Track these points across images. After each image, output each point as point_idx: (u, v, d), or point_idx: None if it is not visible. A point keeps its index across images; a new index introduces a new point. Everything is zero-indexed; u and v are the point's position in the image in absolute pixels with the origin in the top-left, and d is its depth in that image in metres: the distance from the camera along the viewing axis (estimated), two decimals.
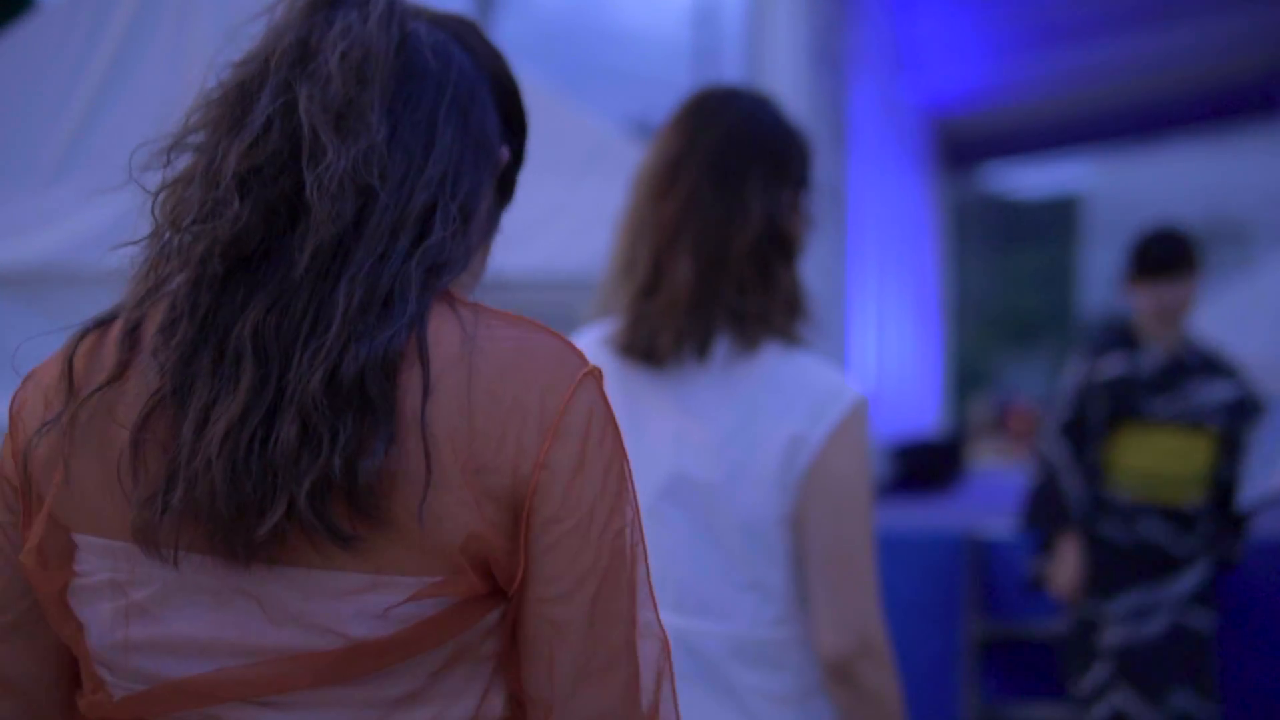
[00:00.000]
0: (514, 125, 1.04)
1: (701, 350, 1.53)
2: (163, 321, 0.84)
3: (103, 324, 0.89)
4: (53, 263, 3.66)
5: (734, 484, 1.51)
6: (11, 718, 0.92)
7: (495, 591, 0.85)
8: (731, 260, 1.54)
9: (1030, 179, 18.41)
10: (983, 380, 18.43)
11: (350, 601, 0.82)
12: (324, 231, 0.84)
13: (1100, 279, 20.36)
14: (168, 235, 0.87)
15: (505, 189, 1.05)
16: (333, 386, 0.81)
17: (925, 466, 6.37)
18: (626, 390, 1.54)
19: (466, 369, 0.84)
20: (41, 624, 0.90)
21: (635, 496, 0.89)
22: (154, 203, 0.88)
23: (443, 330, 0.85)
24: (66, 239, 3.69)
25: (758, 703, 1.51)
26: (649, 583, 0.88)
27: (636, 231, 1.59)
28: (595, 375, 0.87)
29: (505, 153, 1.02)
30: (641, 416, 1.54)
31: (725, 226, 1.55)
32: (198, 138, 0.89)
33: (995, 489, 6.83)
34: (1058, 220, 20.77)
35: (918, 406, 8.38)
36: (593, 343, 1.59)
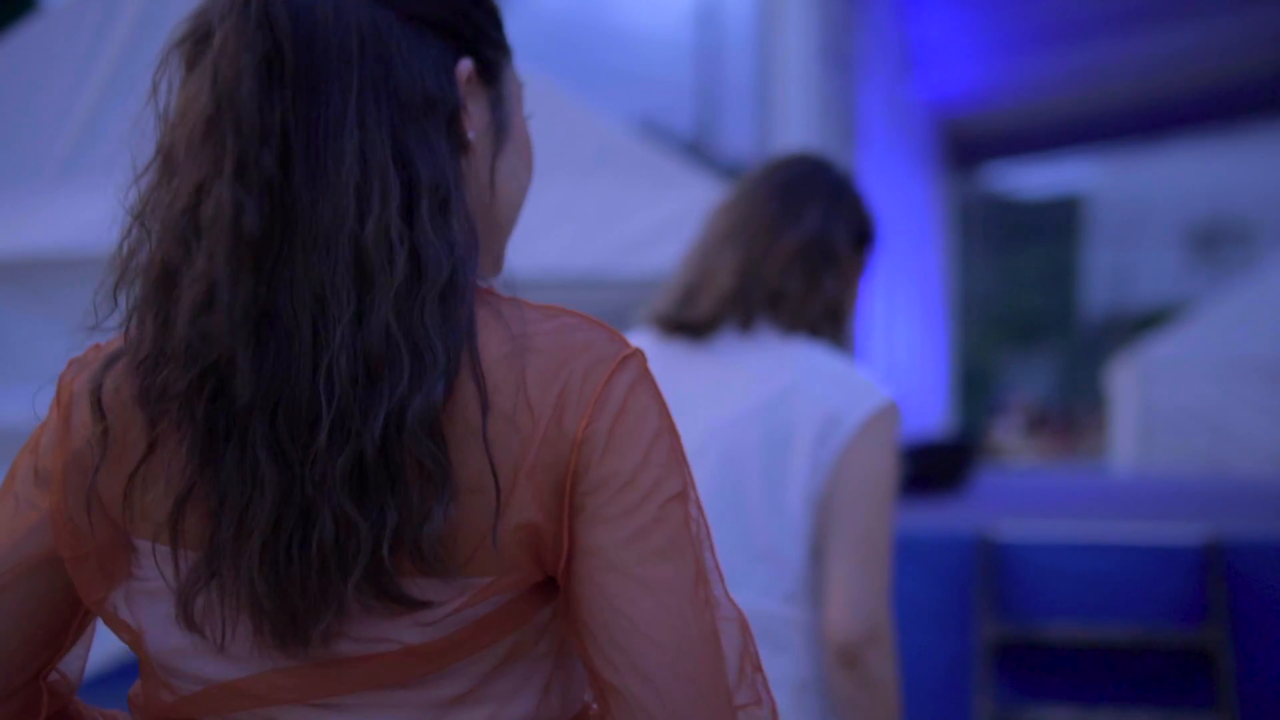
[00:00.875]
0: (461, 18, 0.86)
1: (744, 325, 1.57)
2: (176, 417, 0.79)
3: (121, 355, 0.83)
4: (56, 256, 3.64)
5: (765, 452, 1.52)
6: None
7: (547, 584, 0.82)
8: (775, 256, 1.58)
9: (1033, 178, 18.41)
10: (986, 380, 18.40)
11: (403, 615, 0.80)
12: (253, 343, 0.76)
13: (1103, 278, 20.37)
14: (138, 282, 0.81)
15: (493, 82, 0.90)
16: (359, 474, 0.76)
17: (934, 468, 6.35)
18: (664, 362, 1.55)
19: (519, 372, 0.79)
20: (21, 587, 0.87)
21: (690, 475, 0.83)
22: (125, 195, 0.82)
23: (489, 338, 0.80)
24: (69, 233, 3.66)
25: None
26: (716, 563, 0.83)
27: (696, 247, 1.65)
28: (638, 357, 0.82)
29: (465, 66, 0.85)
30: (677, 381, 1.54)
31: (775, 229, 1.59)
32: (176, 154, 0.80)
33: (1004, 490, 6.82)
34: (1060, 220, 20.75)
35: (924, 407, 8.36)
36: (635, 334, 1.62)
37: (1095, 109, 11.44)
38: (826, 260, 1.60)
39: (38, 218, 3.72)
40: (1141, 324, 15.63)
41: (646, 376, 0.82)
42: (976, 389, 16.17)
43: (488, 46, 0.89)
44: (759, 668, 0.83)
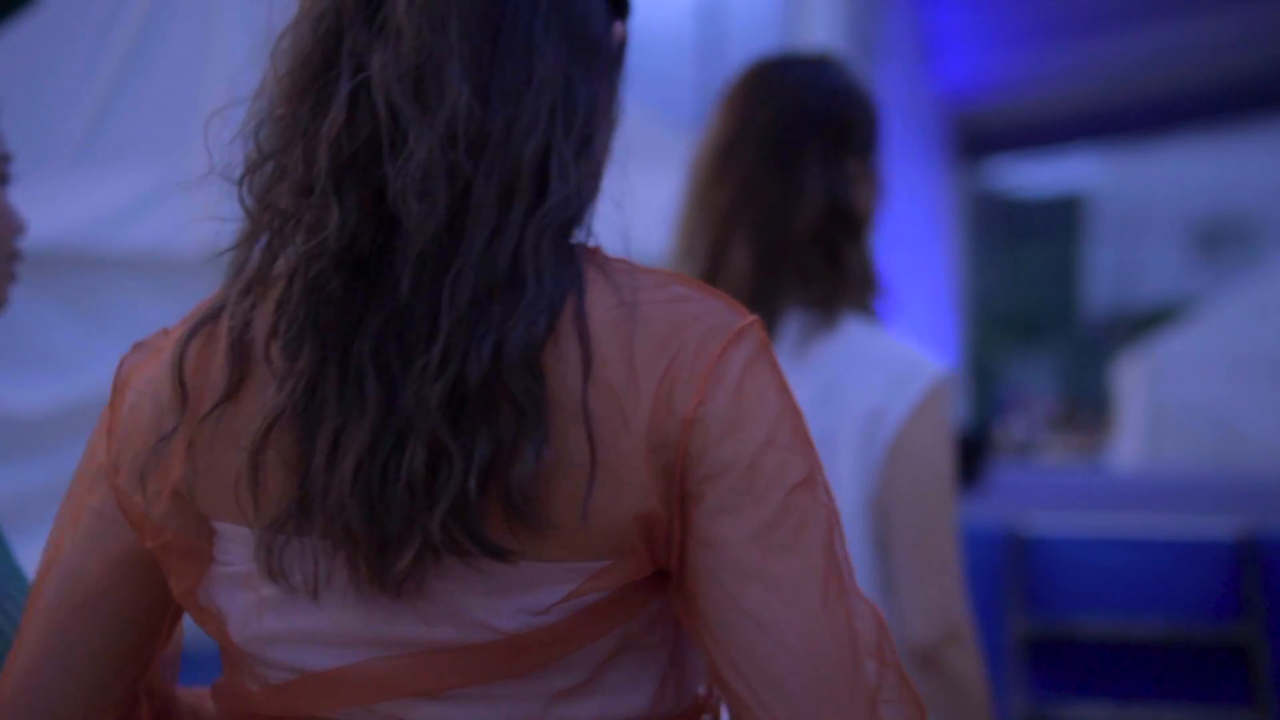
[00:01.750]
0: None
1: (771, 321, 1.46)
2: (281, 336, 0.74)
3: (206, 322, 0.79)
4: (65, 244, 3.59)
5: None
6: (71, 697, 0.83)
7: (658, 574, 0.77)
8: (792, 246, 1.47)
9: (1035, 175, 18.40)
10: (988, 378, 18.40)
11: (508, 597, 0.75)
12: (420, 236, 0.72)
13: (1105, 276, 20.38)
14: (265, 235, 0.76)
15: (618, 71, 0.87)
16: (457, 399, 0.71)
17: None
18: None
19: (628, 337, 0.74)
20: (109, 598, 0.83)
21: (817, 458, 0.77)
22: (241, 190, 0.78)
23: (596, 297, 0.75)
24: (79, 221, 3.62)
25: None
26: (846, 553, 0.76)
27: (695, 218, 1.52)
28: (755, 327, 0.76)
29: (620, 30, 0.85)
30: None
31: (783, 210, 1.48)
32: (280, 111, 0.77)
33: (1023, 485, 6.78)
34: (1063, 217, 20.76)
35: None
36: None
37: (1100, 104, 11.41)
38: (843, 226, 1.50)
39: (50, 206, 3.68)
40: (1145, 322, 15.64)
41: (765, 350, 0.77)
42: (980, 385, 16.16)
43: (625, 23, 0.86)
44: (896, 663, 0.76)
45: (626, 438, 0.73)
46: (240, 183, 0.78)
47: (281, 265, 0.76)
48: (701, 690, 0.82)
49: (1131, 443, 9.89)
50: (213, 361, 0.79)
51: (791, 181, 1.48)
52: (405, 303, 0.72)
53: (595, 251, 0.79)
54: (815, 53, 1.68)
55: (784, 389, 0.77)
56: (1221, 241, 18.40)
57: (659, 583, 0.77)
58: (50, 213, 3.71)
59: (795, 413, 0.76)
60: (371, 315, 0.73)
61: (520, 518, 0.72)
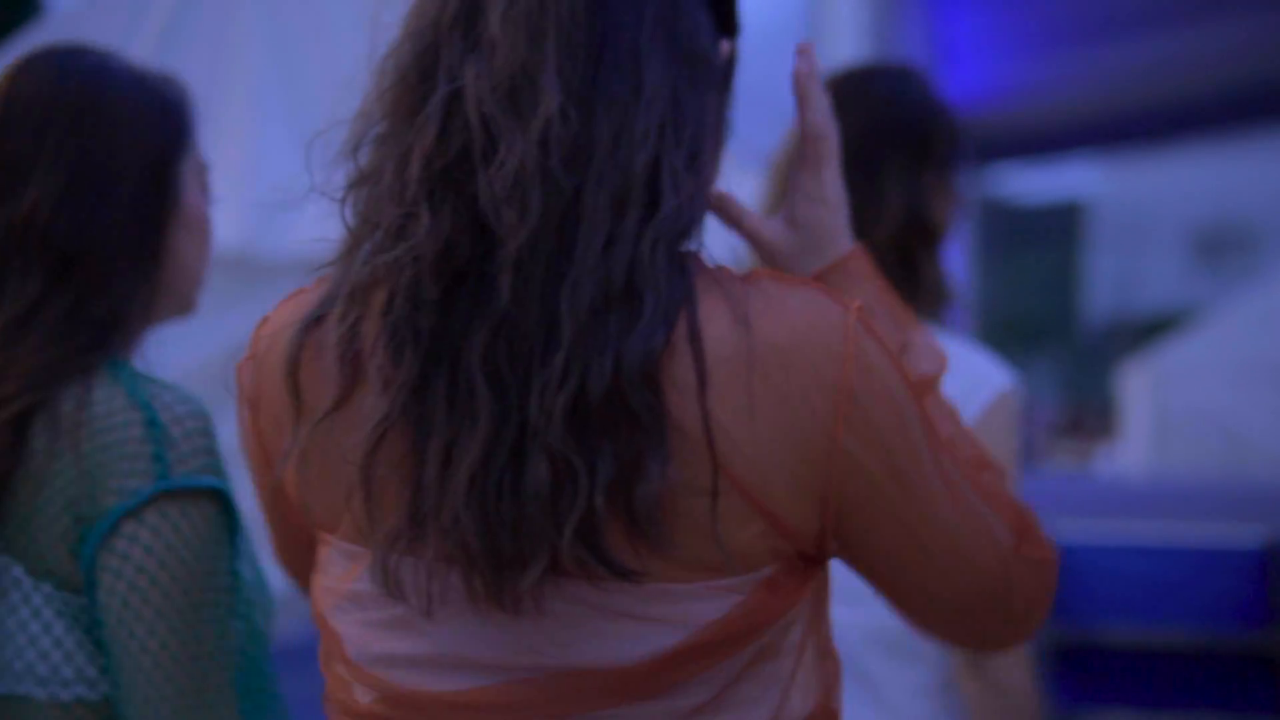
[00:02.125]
0: (725, 6, 0.87)
1: None
2: (387, 348, 0.74)
3: (310, 328, 0.79)
4: None
5: None
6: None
7: (794, 577, 0.77)
8: (871, 253, 1.49)
9: (1036, 182, 18.41)
10: None
11: (635, 620, 0.74)
12: (512, 242, 0.71)
13: (1106, 284, 20.40)
14: (366, 247, 0.77)
15: (726, 88, 0.88)
16: (580, 412, 0.70)
17: None
18: None
19: (744, 352, 0.73)
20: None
21: (936, 402, 0.82)
22: (343, 206, 0.79)
23: (710, 311, 0.74)
24: None
25: (896, 694, 1.47)
26: (976, 456, 0.84)
27: None
28: (857, 316, 0.76)
29: (726, 48, 0.86)
30: None
31: (862, 218, 1.48)
32: (378, 130, 0.78)
33: (1032, 493, 6.76)
34: (1063, 224, 20.79)
35: None
36: None
37: (1097, 114, 11.43)
38: (920, 236, 1.52)
39: None
40: (1146, 329, 15.65)
41: (871, 333, 0.77)
42: None
43: (733, 41, 0.88)
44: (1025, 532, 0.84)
45: (748, 456, 0.72)
46: (343, 200, 0.79)
47: (383, 275, 0.76)
48: (815, 700, 0.81)
49: (1136, 449, 9.89)
50: (322, 366, 0.78)
51: (872, 191, 1.50)
52: (511, 311, 0.71)
53: (705, 263, 0.79)
54: (899, 65, 1.71)
55: (896, 364, 0.78)
56: (1222, 249, 18.43)
57: (784, 595, 0.76)
58: None
59: (911, 385, 0.78)
60: (478, 324, 0.72)
61: (644, 537, 0.71)
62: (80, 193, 1.11)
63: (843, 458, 0.74)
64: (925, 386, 0.85)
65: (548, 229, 0.72)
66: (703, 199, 0.79)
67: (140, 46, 3.84)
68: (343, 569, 0.79)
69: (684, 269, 0.75)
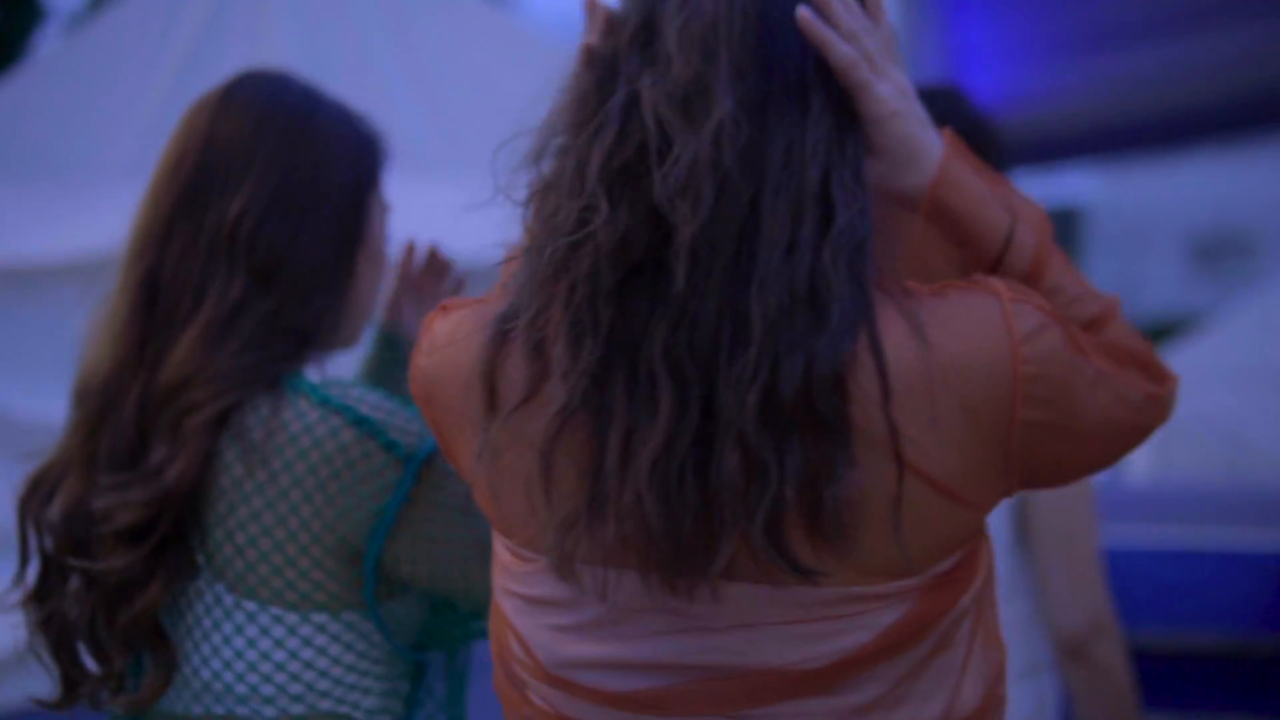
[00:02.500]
0: None
1: None
2: (566, 337, 0.77)
3: (500, 327, 0.83)
4: (119, 252, 3.59)
5: None
6: None
7: (968, 569, 0.80)
8: None
9: (1035, 189, 18.45)
10: None
11: (817, 623, 0.76)
12: (686, 230, 0.75)
13: (1105, 289, 20.41)
14: (547, 247, 0.80)
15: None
16: (770, 408, 0.73)
17: None
18: None
19: (924, 366, 0.77)
20: None
21: (1081, 340, 0.85)
22: (525, 211, 0.84)
23: (887, 322, 0.78)
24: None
25: None
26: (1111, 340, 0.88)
27: None
28: (1010, 297, 0.82)
29: None
30: None
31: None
32: (560, 141, 0.83)
33: None
34: (1062, 230, 20.80)
35: None
36: None
37: (1096, 122, 11.46)
38: None
39: (104, 219, 3.68)
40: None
41: (1020, 301, 0.81)
42: None
43: None
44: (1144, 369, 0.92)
45: (933, 457, 0.76)
46: (526, 204, 0.84)
47: (563, 268, 0.79)
48: (984, 688, 0.84)
49: (1141, 454, 9.92)
50: (508, 367, 0.81)
51: None
52: (689, 302, 0.75)
53: (878, 274, 0.82)
54: (944, 84, 1.74)
55: (1068, 338, 0.83)
56: (1221, 256, 18.50)
57: (956, 587, 0.80)
58: (105, 226, 3.70)
59: (1079, 348, 0.83)
60: (658, 314, 0.75)
61: (827, 538, 0.74)
62: (286, 206, 1.13)
63: (1022, 428, 0.79)
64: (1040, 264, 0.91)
65: (725, 226, 0.75)
66: (871, 212, 0.82)
67: (173, 51, 3.86)
68: (523, 573, 0.81)
69: (862, 283, 0.78)
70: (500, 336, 0.82)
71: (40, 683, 4.49)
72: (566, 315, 0.78)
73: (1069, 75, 10.12)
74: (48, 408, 3.56)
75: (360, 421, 1.06)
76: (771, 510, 0.73)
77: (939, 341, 0.78)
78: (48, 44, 10.34)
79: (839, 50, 0.89)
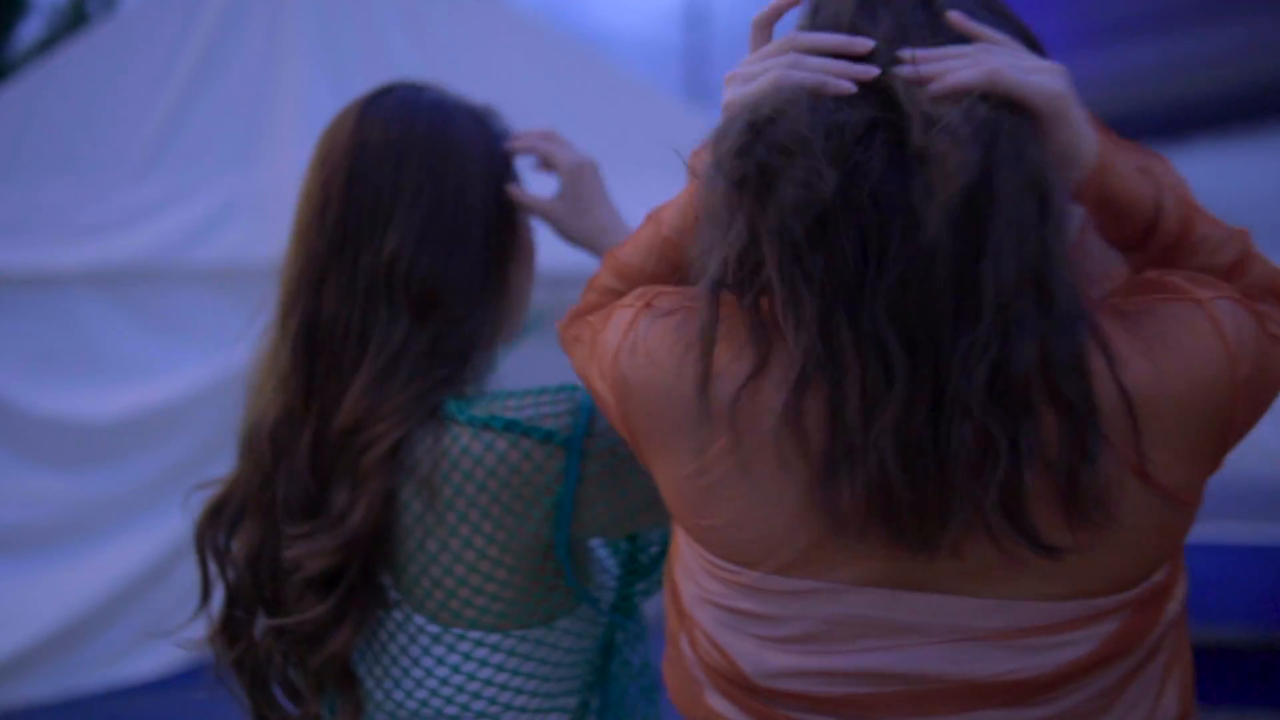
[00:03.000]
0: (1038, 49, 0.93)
1: None
2: (779, 292, 0.75)
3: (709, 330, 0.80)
4: (138, 259, 3.59)
5: None
6: None
7: (1172, 576, 0.81)
8: None
9: None
10: None
11: (1042, 635, 0.76)
12: (952, 184, 0.71)
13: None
14: (742, 211, 0.77)
15: None
16: (999, 385, 0.72)
17: None
18: None
19: (1152, 379, 0.77)
20: None
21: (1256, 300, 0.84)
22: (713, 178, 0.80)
23: (1109, 330, 0.78)
24: (154, 238, 3.62)
25: None
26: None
27: None
28: (1213, 295, 0.81)
29: None
30: None
31: None
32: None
33: None
34: None
35: None
36: None
37: (1101, 116, 11.47)
38: None
39: (121, 218, 3.68)
40: None
41: (1213, 290, 0.81)
42: None
43: None
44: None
45: (1161, 466, 0.76)
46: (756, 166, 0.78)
47: (766, 234, 0.76)
48: (1180, 698, 0.84)
49: None
50: (730, 344, 0.80)
51: None
52: (924, 263, 0.72)
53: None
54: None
55: (1238, 304, 0.82)
56: None
57: (1163, 599, 0.80)
58: (122, 226, 3.70)
59: (1257, 314, 0.82)
60: (879, 274, 0.73)
61: (1085, 516, 0.74)
62: (436, 235, 1.11)
63: (1239, 420, 0.80)
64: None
65: (973, 192, 0.73)
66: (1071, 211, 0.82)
67: (190, 51, 3.84)
68: (720, 584, 0.80)
69: (1076, 274, 0.77)
70: (712, 342, 0.80)
71: (41, 683, 4.43)
72: (780, 274, 0.75)
73: (1076, 70, 10.10)
74: (60, 404, 3.57)
75: (510, 426, 1.05)
76: (1005, 486, 0.72)
77: (1163, 360, 0.78)
78: (31, 36, 10.35)
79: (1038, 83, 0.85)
